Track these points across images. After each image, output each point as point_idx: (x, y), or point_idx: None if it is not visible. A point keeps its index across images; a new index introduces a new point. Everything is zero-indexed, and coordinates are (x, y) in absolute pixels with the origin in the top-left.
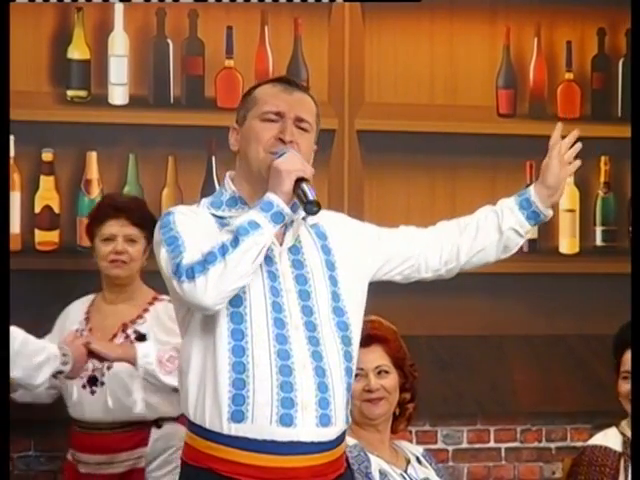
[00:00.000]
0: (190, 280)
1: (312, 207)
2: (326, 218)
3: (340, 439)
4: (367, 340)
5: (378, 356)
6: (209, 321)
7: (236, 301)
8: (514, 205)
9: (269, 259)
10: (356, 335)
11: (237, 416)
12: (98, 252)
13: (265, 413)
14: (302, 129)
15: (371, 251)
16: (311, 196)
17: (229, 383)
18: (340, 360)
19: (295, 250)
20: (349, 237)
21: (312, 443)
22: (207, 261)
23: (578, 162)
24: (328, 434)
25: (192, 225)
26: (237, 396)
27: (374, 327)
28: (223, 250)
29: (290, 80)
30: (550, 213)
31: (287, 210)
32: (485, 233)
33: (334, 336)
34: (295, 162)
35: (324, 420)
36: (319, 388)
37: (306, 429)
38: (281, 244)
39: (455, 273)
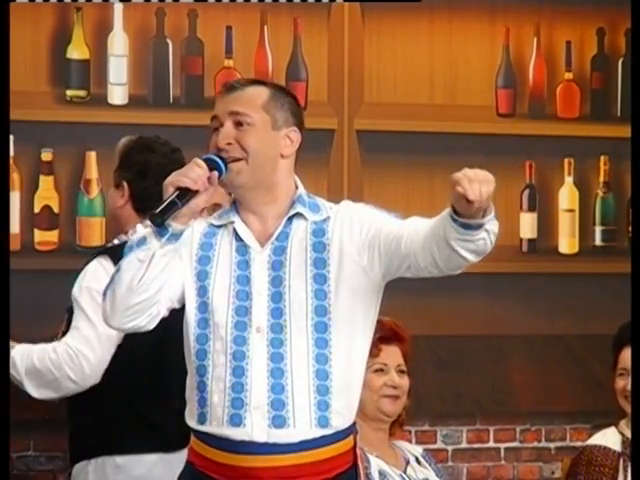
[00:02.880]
0: (102, 304)
1: (154, 219)
2: (348, 212)
3: (316, 442)
4: (390, 337)
5: (398, 355)
6: (185, 326)
7: (202, 307)
8: (447, 216)
9: (244, 263)
10: (340, 336)
11: (201, 418)
12: None
13: (218, 414)
14: (240, 124)
15: (375, 251)
16: (157, 209)
17: (195, 386)
18: (308, 362)
19: (279, 250)
20: (358, 234)
21: (267, 444)
22: (108, 285)
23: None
24: (285, 436)
25: None
26: (201, 399)
27: (396, 325)
28: (117, 271)
29: (231, 83)
30: (481, 222)
31: (169, 223)
32: (444, 242)
33: (306, 338)
34: (179, 173)
35: (277, 421)
36: (273, 389)
37: (257, 429)
38: (263, 246)
39: (453, 271)
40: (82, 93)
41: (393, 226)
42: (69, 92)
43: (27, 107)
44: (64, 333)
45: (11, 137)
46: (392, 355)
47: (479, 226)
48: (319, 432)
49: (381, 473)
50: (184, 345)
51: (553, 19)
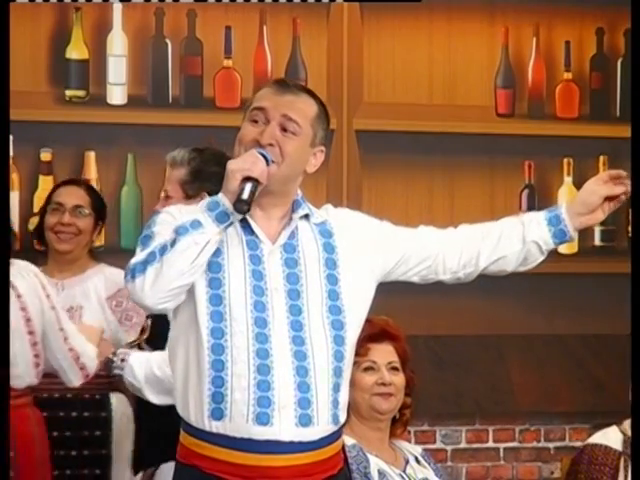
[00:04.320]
0: (132, 280)
1: (241, 206)
2: (338, 216)
3: (328, 439)
4: (380, 335)
5: (390, 353)
6: (192, 319)
7: (215, 300)
8: (542, 219)
9: (256, 258)
10: (352, 335)
11: (216, 414)
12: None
13: (242, 411)
14: (287, 131)
15: (385, 250)
16: (245, 195)
17: (209, 381)
18: (328, 360)
19: (290, 248)
20: (359, 236)
21: (292, 443)
22: (147, 261)
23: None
24: (309, 434)
25: (172, 226)
26: (216, 394)
27: (387, 324)
28: (162, 250)
29: (286, 82)
30: (575, 237)
31: (232, 209)
32: (508, 241)
33: (325, 335)
34: (244, 161)
35: (304, 420)
36: (299, 388)
37: (284, 428)
38: (274, 242)
39: (473, 277)
40: (81, 93)
41: (408, 231)
42: (68, 92)
43: (26, 107)
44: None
45: (10, 137)
46: (382, 353)
47: (569, 239)
48: (332, 429)
49: (380, 472)
50: (175, 335)
51: (552, 19)
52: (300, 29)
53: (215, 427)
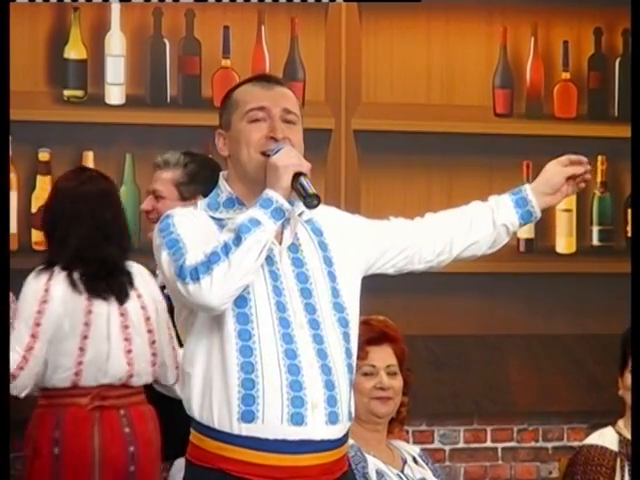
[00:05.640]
0: (195, 281)
1: (312, 201)
2: (319, 213)
3: (345, 437)
4: (380, 338)
5: (389, 355)
6: (214, 322)
7: (241, 302)
8: (509, 202)
9: (269, 259)
10: (355, 332)
11: (247, 416)
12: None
13: (276, 412)
14: (289, 122)
15: (366, 246)
16: (310, 190)
17: (238, 384)
18: (343, 357)
19: (294, 248)
20: (343, 231)
21: (322, 441)
22: (211, 261)
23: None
24: (336, 431)
25: (191, 227)
26: (247, 396)
27: (386, 325)
28: (226, 249)
29: (267, 76)
30: (539, 215)
31: (287, 205)
32: (479, 226)
33: (336, 333)
34: (292, 157)
35: (332, 418)
36: (326, 386)
37: (317, 427)
38: (280, 243)
39: (445, 264)
40: (79, 93)
41: (383, 223)
42: (66, 92)
43: (24, 107)
44: None
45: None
46: (381, 356)
47: (534, 220)
48: (348, 426)
49: (378, 472)
50: (194, 340)
51: (550, 19)
52: (298, 29)
53: (245, 430)
